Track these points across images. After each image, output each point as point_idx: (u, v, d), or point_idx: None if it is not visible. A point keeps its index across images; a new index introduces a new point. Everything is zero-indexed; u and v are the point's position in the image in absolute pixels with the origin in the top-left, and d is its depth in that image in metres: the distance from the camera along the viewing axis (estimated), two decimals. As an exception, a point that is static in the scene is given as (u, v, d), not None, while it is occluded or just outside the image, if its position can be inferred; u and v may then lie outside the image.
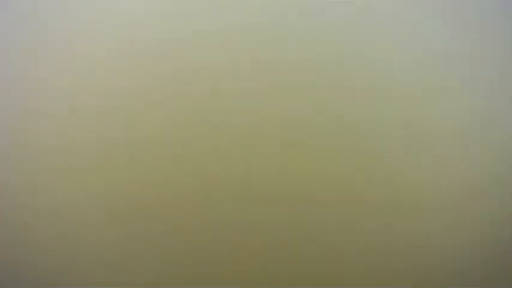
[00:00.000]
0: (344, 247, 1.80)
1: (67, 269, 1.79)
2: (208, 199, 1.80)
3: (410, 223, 1.80)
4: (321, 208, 1.80)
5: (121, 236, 1.79)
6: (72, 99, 1.83)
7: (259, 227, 1.80)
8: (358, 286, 1.78)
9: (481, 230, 1.81)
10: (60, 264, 1.79)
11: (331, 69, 1.84)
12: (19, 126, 1.83)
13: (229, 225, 1.80)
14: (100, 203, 1.81)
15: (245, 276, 1.79)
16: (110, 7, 1.85)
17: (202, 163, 1.82)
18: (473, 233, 1.81)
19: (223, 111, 1.83)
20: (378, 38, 1.84)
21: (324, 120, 1.84)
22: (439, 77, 1.85)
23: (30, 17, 1.86)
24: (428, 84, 1.85)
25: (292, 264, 1.80)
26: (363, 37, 1.84)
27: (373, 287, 1.79)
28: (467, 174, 1.82)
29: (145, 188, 1.81)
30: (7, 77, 1.85)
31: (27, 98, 1.84)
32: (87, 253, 1.79)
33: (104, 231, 1.80)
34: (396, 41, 1.84)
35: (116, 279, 1.78)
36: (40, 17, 1.86)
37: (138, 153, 1.83)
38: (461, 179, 1.81)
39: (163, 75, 1.84)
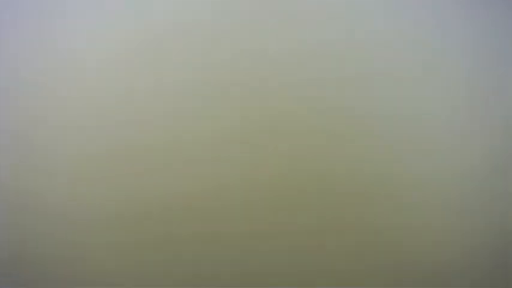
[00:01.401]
0: (342, 242, 1.82)
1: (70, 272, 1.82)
2: (212, 204, 1.83)
3: (410, 218, 1.83)
4: (320, 206, 1.83)
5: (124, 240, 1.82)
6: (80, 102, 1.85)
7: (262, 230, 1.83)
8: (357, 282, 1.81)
9: (482, 223, 1.84)
10: (63, 267, 1.82)
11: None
12: (23, 131, 1.85)
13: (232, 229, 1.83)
14: (101, 206, 1.83)
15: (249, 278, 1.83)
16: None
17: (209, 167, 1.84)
18: (473, 228, 1.84)
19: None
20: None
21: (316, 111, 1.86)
22: (432, 67, 1.88)
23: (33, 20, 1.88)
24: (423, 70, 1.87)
25: (295, 262, 1.83)
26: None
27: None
28: (466, 167, 1.84)
29: (148, 192, 1.83)
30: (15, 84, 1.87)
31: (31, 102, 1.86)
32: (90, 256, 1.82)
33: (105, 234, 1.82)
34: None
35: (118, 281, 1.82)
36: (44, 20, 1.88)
37: (141, 155, 1.84)
38: (461, 172, 1.84)
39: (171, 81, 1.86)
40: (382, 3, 1.87)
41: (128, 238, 1.81)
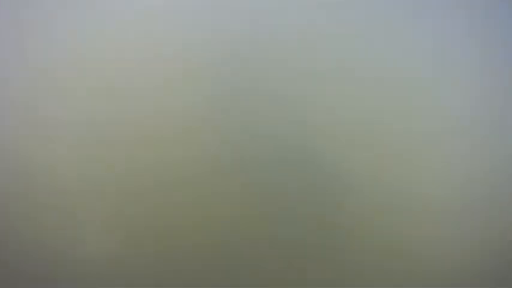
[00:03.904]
0: (346, 251, 1.80)
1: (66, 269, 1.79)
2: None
3: (415, 227, 1.81)
4: (326, 215, 1.82)
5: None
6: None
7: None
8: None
9: (485, 234, 1.82)
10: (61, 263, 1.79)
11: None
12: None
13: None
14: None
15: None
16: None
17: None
18: (478, 237, 1.82)
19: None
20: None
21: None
22: (443, 71, 1.88)
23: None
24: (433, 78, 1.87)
25: (293, 265, 1.81)
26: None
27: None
28: (471, 178, 1.83)
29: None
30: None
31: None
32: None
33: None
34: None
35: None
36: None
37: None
38: (466, 183, 1.83)
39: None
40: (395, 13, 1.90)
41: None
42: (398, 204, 1.82)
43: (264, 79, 1.87)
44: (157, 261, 1.78)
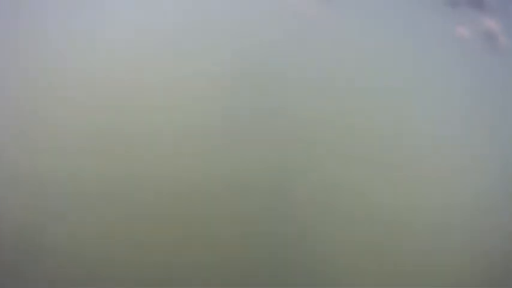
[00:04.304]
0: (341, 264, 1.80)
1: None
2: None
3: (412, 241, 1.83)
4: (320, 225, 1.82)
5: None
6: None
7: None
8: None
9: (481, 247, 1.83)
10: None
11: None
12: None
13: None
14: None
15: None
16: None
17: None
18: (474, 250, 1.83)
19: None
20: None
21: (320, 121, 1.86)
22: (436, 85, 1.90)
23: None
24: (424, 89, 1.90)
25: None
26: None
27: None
28: (467, 193, 1.84)
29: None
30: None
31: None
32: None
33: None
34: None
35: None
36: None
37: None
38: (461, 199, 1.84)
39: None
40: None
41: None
42: (396, 215, 1.83)
43: (274, 101, 1.89)
44: (156, 264, 1.78)
